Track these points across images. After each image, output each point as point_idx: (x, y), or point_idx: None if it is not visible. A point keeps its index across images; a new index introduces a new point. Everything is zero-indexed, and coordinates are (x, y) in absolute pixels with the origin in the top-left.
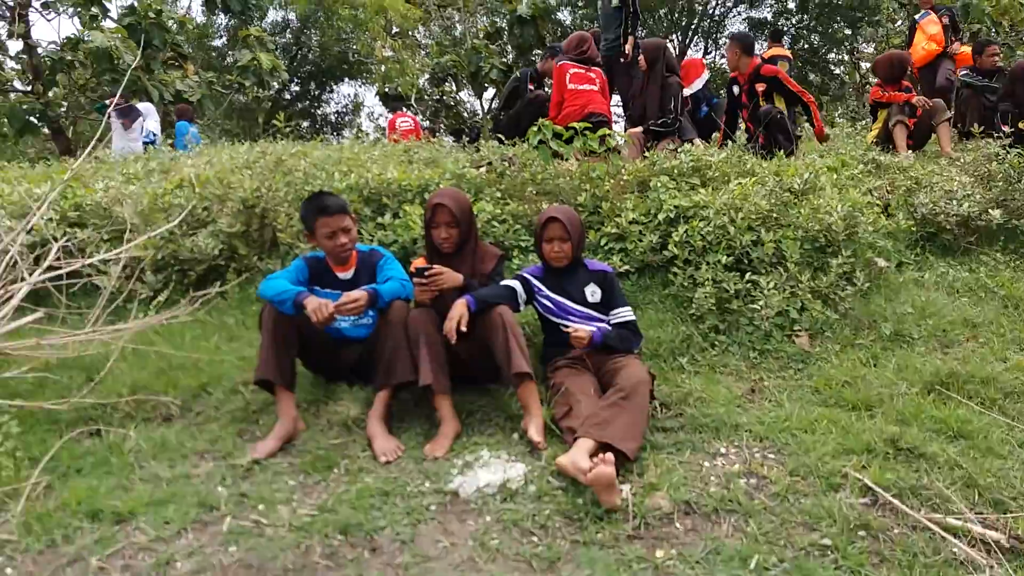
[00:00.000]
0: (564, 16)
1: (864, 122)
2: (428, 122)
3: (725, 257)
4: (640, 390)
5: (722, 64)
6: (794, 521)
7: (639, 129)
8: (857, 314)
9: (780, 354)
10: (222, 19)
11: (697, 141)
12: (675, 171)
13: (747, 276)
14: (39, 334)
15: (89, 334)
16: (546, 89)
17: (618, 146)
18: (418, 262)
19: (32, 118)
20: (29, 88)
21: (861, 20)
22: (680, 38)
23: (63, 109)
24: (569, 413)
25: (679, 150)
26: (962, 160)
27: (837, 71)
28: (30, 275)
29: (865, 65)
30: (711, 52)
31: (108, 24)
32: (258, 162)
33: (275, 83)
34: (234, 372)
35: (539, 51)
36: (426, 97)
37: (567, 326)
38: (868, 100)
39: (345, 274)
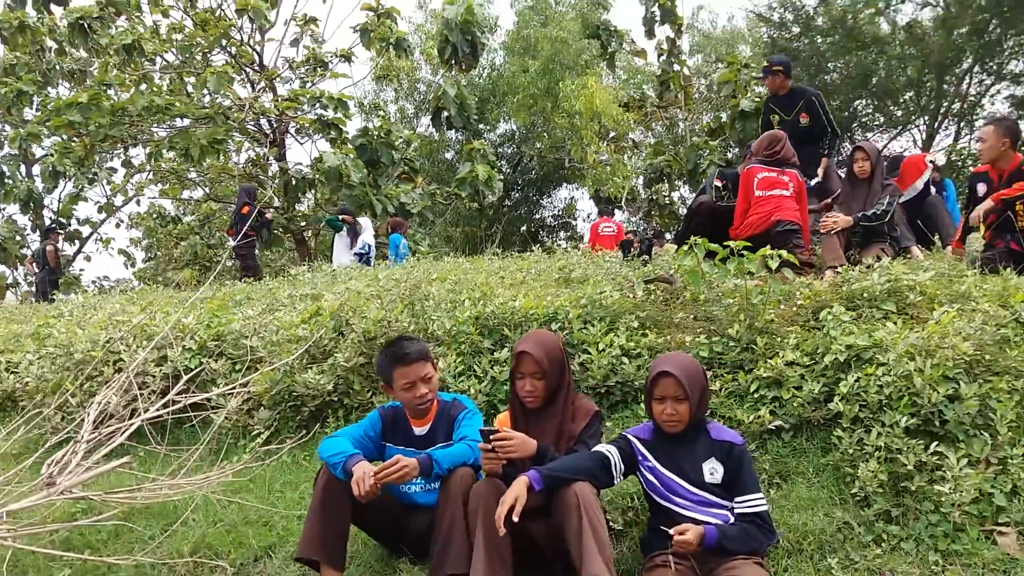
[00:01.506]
0: None
1: None
2: (642, 222)
3: (907, 418)
4: None
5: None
6: None
7: (846, 219)
8: None
9: (972, 559)
10: (453, 134)
11: (916, 250)
12: (864, 294)
13: (934, 445)
14: (136, 479)
15: (170, 484)
16: None
17: (806, 258)
18: (500, 419)
19: (278, 231)
20: (279, 204)
21: None
22: (927, 122)
23: (304, 223)
24: None
25: (878, 265)
26: None
27: None
28: (148, 410)
29: None
30: (964, 136)
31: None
32: (392, 290)
33: (490, 194)
34: None
35: None
36: (638, 198)
37: (671, 517)
38: None
39: (421, 429)
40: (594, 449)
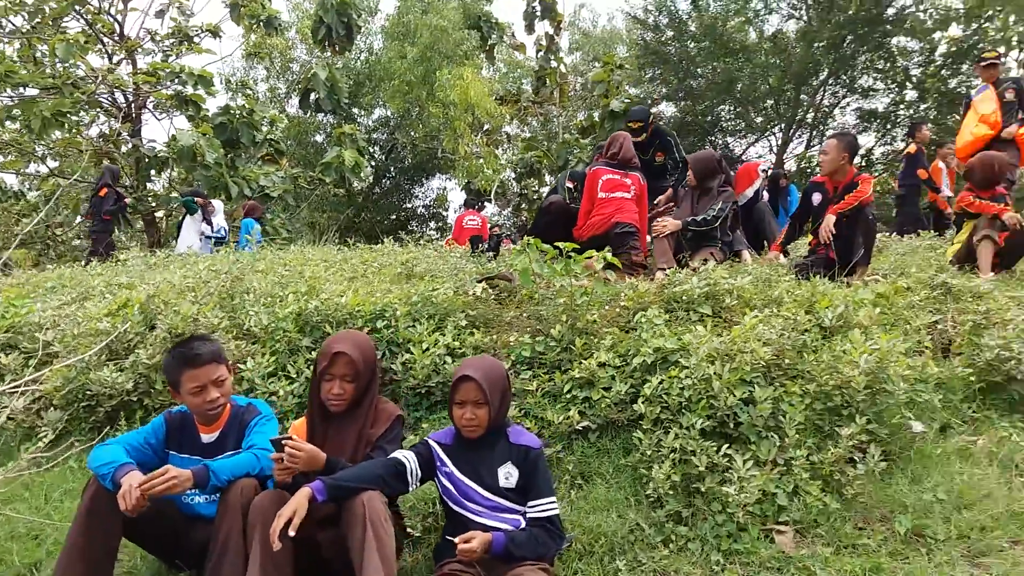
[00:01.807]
0: (666, 108)
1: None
2: (512, 216)
3: (704, 420)
4: None
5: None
6: None
7: (675, 223)
8: (867, 501)
9: (750, 558)
10: (325, 117)
11: (746, 255)
12: (684, 297)
13: (726, 447)
14: None
15: None
16: None
17: (640, 260)
18: (296, 425)
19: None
20: (129, 183)
21: None
22: (783, 129)
23: (154, 203)
24: None
25: (702, 268)
26: None
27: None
28: None
29: None
30: (814, 145)
31: None
32: (211, 282)
33: (356, 180)
34: None
35: None
36: (508, 192)
37: (464, 523)
38: (955, 207)
39: (209, 436)
40: (391, 455)
